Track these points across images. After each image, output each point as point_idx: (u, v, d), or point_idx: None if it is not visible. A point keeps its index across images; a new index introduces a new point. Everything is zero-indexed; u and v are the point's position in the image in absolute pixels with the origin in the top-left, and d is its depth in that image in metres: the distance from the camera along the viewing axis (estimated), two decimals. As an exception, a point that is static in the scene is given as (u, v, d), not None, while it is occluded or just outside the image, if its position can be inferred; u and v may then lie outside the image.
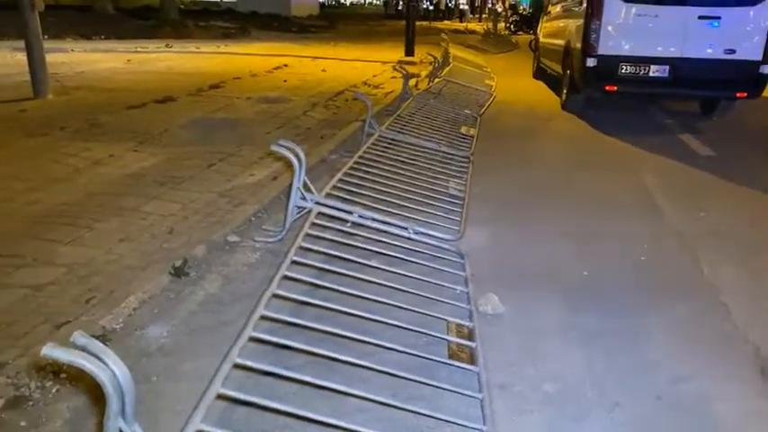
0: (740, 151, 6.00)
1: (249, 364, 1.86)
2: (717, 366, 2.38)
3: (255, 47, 15.73)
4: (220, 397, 1.74)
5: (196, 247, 3.10)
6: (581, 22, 7.05)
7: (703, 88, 7.07)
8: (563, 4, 8.85)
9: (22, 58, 8.60)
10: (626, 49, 6.77)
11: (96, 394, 2.03)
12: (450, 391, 2.09)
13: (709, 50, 6.63)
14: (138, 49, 13.61)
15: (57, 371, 2.11)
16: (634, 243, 3.59)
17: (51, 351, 1.28)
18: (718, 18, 6.50)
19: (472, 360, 2.27)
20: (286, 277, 2.44)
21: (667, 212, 4.12)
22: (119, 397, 1.35)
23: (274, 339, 2.06)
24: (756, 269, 3.26)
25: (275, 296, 2.27)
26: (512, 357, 2.38)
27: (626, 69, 6.78)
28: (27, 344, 2.26)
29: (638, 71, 6.77)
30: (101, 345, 1.35)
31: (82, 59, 11.29)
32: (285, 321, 2.23)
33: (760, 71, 6.58)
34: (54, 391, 2.04)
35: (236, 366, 1.84)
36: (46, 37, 7.04)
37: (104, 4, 21.41)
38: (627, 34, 6.77)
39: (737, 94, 6.76)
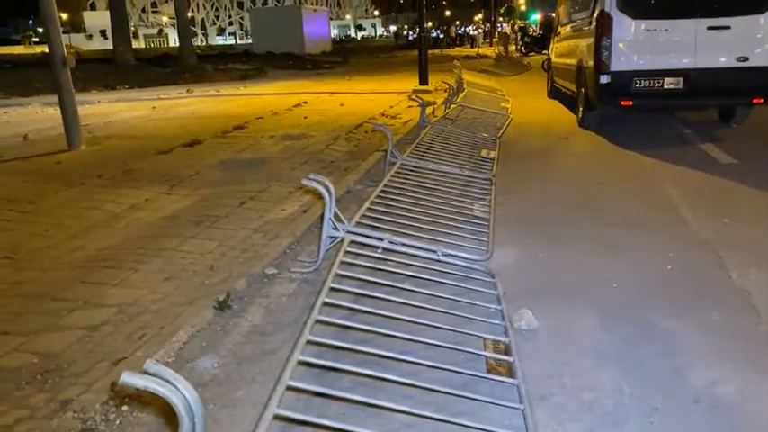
0: (762, 157, 6.01)
1: (302, 386, 1.97)
2: (752, 368, 2.43)
3: (274, 86, 16.16)
4: (276, 418, 1.85)
5: (237, 282, 3.24)
6: (592, 40, 7.17)
7: (719, 97, 7.13)
8: (572, 24, 9.00)
9: (53, 112, 9.02)
10: (639, 63, 6.86)
11: (158, 423, 2.16)
12: (493, 403, 2.17)
13: (722, 59, 6.70)
14: (161, 96, 14.08)
15: (119, 404, 2.24)
16: (660, 253, 3.64)
17: (129, 378, 1.41)
18: (728, 28, 6.58)
19: (511, 374, 2.35)
20: (326, 303, 2.56)
21: (691, 221, 4.17)
22: (190, 419, 1.47)
23: (322, 362, 2.17)
24: (785, 271, 3.29)
25: (318, 321, 2.39)
26: (549, 369, 2.45)
27: (640, 84, 6.85)
28: (88, 381, 2.40)
29: (652, 85, 6.85)
30: (172, 371, 1.47)
31: (109, 110, 11.72)
32: (330, 345, 2.35)
33: (774, 76, 6.63)
34: (118, 422, 2.17)
35: (289, 389, 1.94)
36: (74, 91, 7.37)
37: (126, 54, 22.18)
38: (638, 49, 6.87)
39: (754, 101, 6.81)
